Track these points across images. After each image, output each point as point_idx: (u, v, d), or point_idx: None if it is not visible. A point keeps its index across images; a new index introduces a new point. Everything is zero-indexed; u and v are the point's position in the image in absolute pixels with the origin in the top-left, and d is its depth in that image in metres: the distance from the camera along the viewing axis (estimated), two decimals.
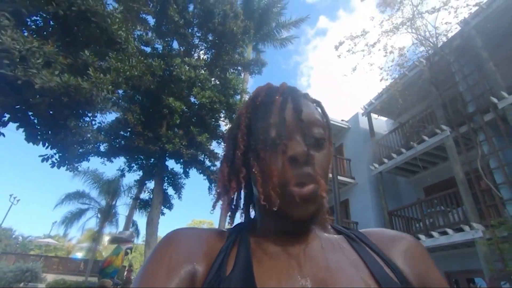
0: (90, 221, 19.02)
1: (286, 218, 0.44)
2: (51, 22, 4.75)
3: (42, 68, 3.76)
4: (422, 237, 7.19)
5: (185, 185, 12.00)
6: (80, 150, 6.48)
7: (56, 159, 5.98)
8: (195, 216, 56.17)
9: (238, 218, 0.56)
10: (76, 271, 18.02)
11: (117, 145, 10.11)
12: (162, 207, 10.77)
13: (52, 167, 5.91)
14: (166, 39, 11.07)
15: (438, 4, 7.42)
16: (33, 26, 4.67)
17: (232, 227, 0.52)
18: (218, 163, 11.70)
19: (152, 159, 11.16)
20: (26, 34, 3.94)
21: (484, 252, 5.72)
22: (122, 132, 10.02)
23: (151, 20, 10.55)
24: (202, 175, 11.29)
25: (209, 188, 11.24)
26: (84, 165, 9.59)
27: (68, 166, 6.27)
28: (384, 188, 9.20)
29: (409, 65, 8.63)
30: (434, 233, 6.95)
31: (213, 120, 11.21)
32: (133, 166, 11.61)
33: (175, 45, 11.67)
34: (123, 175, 12.52)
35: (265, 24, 16.44)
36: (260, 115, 0.48)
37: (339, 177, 9.13)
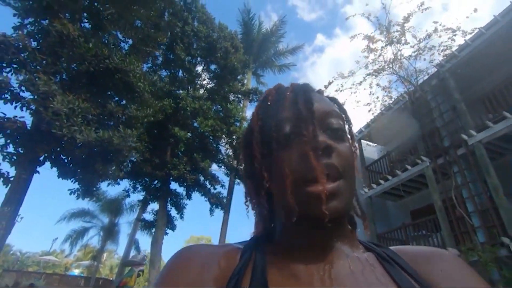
0: (92, 238, 19.43)
1: (307, 220, 0.39)
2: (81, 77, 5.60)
3: (82, 124, 4.57)
4: None
5: (187, 205, 12.74)
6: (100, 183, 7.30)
7: (79, 192, 6.72)
8: (193, 232, 55.98)
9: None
10: None
11: (125, 170, 10.87)
12: (166, 228, 11.45)
13: (77, 198, 6.76)
14: (172, 71, 12.09)
15: (416, 48, 8.38)
16: (68, 81, 5.53)
17: (247, 241, 0.47)
18: (218, 187, 12.53)
19: (156, 181, 11.91)
20: (65, 92, 4.79)
21: None
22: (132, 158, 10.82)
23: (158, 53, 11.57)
24: (204, 197, 12.03)
25: (211, 210, 11.97)
26: None
27: (90, 197, 6.98)
28: (374, 212, 9.89)
29: (393, 99, 9.54)
30: None
31: (215, 145, 12.09)
32: (138, 187, 12.37)
33: (180, 72, 12.73)
34: (127, 196, 13.29)
35: (265, 51, 17.51)
36: (272, 113, 0.45)
37: None
